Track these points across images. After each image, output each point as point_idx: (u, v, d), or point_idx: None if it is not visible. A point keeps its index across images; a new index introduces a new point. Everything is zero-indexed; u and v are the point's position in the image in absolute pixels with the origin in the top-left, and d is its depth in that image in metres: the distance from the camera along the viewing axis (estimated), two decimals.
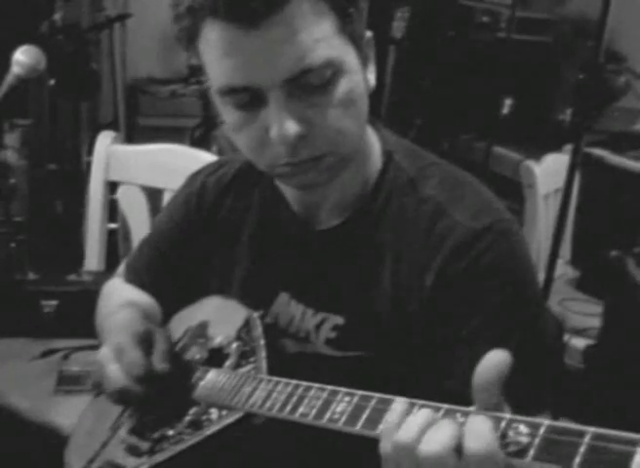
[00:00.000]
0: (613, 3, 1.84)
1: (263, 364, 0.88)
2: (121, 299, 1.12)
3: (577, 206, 2.22)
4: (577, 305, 2.21)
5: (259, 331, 0.92)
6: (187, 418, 0.90)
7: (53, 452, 1.09)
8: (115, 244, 2.09)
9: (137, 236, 1.78)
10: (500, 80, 3.30)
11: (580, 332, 2.08)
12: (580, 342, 2.04)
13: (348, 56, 0.82)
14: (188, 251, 1.09)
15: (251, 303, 0.97)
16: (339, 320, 0.93)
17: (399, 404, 0.65)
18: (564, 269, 2.29)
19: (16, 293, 1.65)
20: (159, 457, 0.89)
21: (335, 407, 0.71)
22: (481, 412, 0.60)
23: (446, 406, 0.63)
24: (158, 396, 0.93)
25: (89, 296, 1.21)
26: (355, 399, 0.70)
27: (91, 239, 1.87)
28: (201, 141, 3.55)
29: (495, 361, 0.59)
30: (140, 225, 1.80)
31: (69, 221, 3.01)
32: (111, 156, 1.83)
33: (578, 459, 0.51)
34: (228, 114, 0.84)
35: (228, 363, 0.93)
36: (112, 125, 3.41)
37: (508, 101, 3.49)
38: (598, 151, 2.81)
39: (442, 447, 0.58)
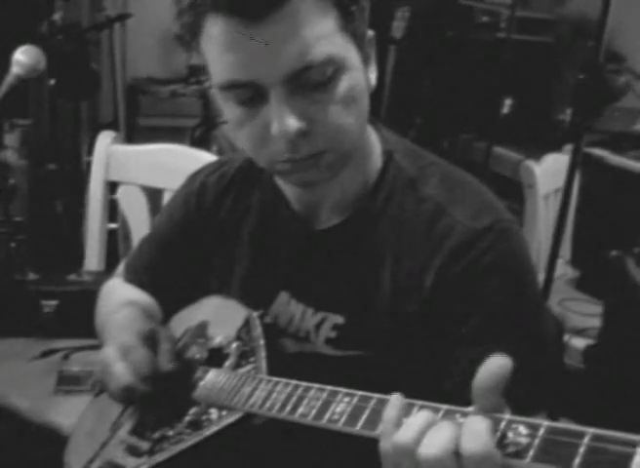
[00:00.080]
0: (613, 3, 1.84)
1: (263, 364, 0.88)
2: (121, 299, 1.12)
3: (577, 206, 2.22)
4: (577, 305, 2.21)
5: (258, 330, 0.92)
6: (187, 418, 0.90)
7: (53, 452, 1.09)
8: (115, 244, 2.09)
9: (137, 236, 1.78)
10: (500, 80, 3.29)
11: (580, 332, 2.08)
12: (579, 342, 2.04)
13: (350, 53, 0.82)
14: (188, 250, 1.09)
15: (251, 303, 0.97)
16: (338, 319, 0.93)
17: (396, 399, 0.65)
18: (564, 269, 2.29)
19: (16, 293, 1.64)
20: (159, 457, 0.89)
21: (334, 407, 0.71)
22: (480, 413, 0.59)
23: (445, 406, 0.63)
24: (161, 395, 0.93)
25: (89, 296, 1.21)
26: (355, 399, 0.70)
27: (91, 239, 1.87)
28: (201, 141, 3.55)
29: (495, 366, 0.59)
30: (139, 225, 1.80)
31: (69, 221, 3.01)
32: (111, 156, 1.83)
33: (577, 460, 0.51)
34: (229, 110, 0.85)
35: (228, 363, 0.93)
36: (112, 125, 3.41)
37: (508, 101, 3.50)
38: (598, 151, 2.81)
39: (441, 449, 0.58)
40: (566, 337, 2.04)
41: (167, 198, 1.70)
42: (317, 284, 0.96)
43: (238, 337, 0.94)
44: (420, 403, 0.65)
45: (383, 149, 0.96)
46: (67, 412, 1.30)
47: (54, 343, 1.57)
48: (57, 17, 3.02)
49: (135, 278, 1.17)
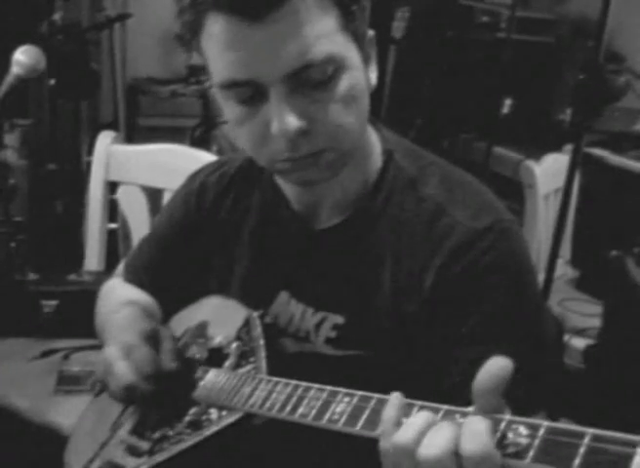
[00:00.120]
0: (613, 3, 1.84)
1: (263, 364, 0.88)
2: (121, 298, 1.12)
3: (577, 206, 2.22)
4: (577, 305, 2.21)
5: (258, 330, 0.92)
6: (187, 418, 0.90)
7: (53, 452, 1.09)
8: (115, 244, 2.09)
9: (137, 236, 1.78)
10: (500, 80, 3.29)
11: (580, 332, 2.07)
12: (580, 342, 2.04)
13: (350, 53, 0.82)
14: (188, 250, 1.09)
15: (251, 302, 0.97)
16: (338, 319, 0.93)
17: (396, 398, 0.65)
18: (564, 269, 2.29)
19: (16, 293, 1.64)
20: (159, 457, 0.89)
21: (334, 407, 0.71)
22: (480, 413, 0.59)
23: (445, 406, 0.63)
24: (163, 394, 0.93)
25: (89, 296, 1.21)
26: (355, 399, 0.70)
27: (91, 239, 1.87)
28: (201, 141, 3.56)
29: (496, 368, 0.59)
30: (139, 225, 1.80)
31: (69, 221, 3.01)
32: (111, 156, 1.83)
33: (577, 461, 0.51)
34: (230, 109, 0.85)
35: (228, 363, 0.93)
36: (112, 125, 3.42)
37: (508, 101, 3.49)
38: (598, 151, 2.81)
39: (441, 450, 0.58)
40: (566, 337, 2.04)
41: (167, 198, 1.70)
42: (317, 284, 0.96)
43: (238, 337, 0.94)
44: (419, 403, 0.65)
45: (384, 149, 0.96)
46: (67, 412, 1.30)
47: (54, 343, 1.57)
48: (57, 17, 3.02)
49: (134, 278, 1.17)
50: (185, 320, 1.06)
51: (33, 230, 2.78)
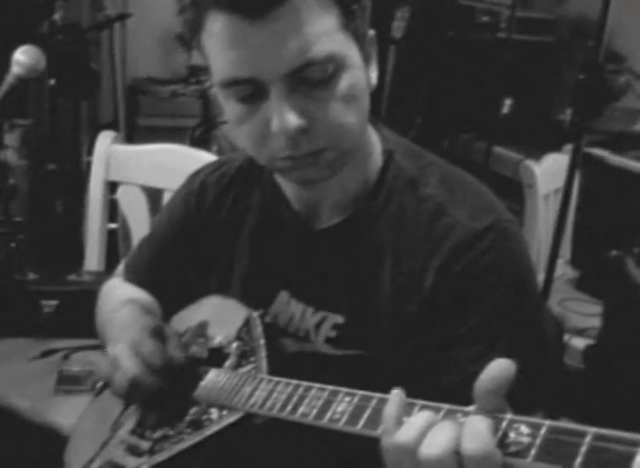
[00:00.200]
0: (613, 3, 1.84)
1: (264, 363, 0.88)
2: (121, 297, 1.12)
3: (577, 206, 2.22)
4: (577, 305, 2.21)
5: (259, 330, 0.92)
6: (188, 418, 0.90)
7: (53, 452, 1.09)
8: (115, 244, 2.09)
9: (137, 236, 1.78)
10: (500, 80, 3.30)
11: (580, 332, 2.07)
12: (580, 342, 2.04)
13: (351, 52, 0.83)
14: (188, 250, 1.09)
15: (251, 302, 0.97)
16: (338, 319, 0.93)
17: (396, 395, 0.65)
18: (564, 269, 2.29)
19: (16, 293, 1.64)
20: (159, 457, 0.89)
21: (335, 407, 0.71)
22: (481, 413, 0.59)
23: (447, 406, 0.63)
24: (163, 394, 0.92)
25: (89, 296, 1.21)
26: (356, 399, 0.70)
27: (91, 239, 1.87)
28: (201, 141, 3.55)
29: (498, 369, 0.59)
30: (140, 225, 1.80)
31: (69, 221, 3.01)
32: (111, 156, 1.83)
33: (579, 460, 0.51)
34: (230, 107, 0.85)
35: (228, 362, 0.93)
36: (112, 125, 3.42)
37: (508, 101, 3.50)
38: (598, 151, 2.81)
39: (442, 449, 0.58)
40: (566, 337, 2.04)
41: (167, 198, 1.69)
42: (317, 283, 0.96)
43: (238, 337, 0.94)
44: (421, 402, 0.65)
45: (384, 149, 0.96)
46: (67, 412, 1.30)
47: (54, 343, 1.57)
48: (57, 17, 3.02)
49: (135, 278, 1.17)
50: (186, 320, 1.06)
51: (33, 230, 2.78)
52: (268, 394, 0.81)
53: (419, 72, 3.88)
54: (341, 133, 0.83)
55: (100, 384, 1.13)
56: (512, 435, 0.57)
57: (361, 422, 0.68)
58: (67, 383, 1.44)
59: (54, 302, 1.61)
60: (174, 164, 1.70)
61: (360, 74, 0.84)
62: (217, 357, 0.95)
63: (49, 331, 1.59)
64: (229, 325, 0.96)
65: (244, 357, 0.91)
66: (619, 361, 1.86)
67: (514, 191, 2.17)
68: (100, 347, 1.10)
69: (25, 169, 2.92)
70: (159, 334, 0.96)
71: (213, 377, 0.92)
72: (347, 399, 0.71)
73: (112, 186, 1.86)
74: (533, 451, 0.55)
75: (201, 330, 1.01)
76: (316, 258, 0.97)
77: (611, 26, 1.88)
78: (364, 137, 0.92)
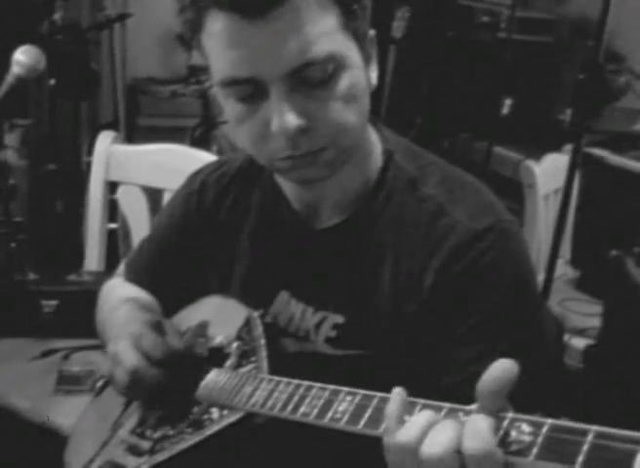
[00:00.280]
0: (613, 3, 1.84)
1: (264, 363, 0.88)
2: (122, 296, 1.12)
3: (577, 206, 2.22)
4: (577, 305, 2.21)
5: (259, 330, 0.92)
6: (188, 418, 0.90)
7: (53, 452, 1.09)
8: (115, 244, 2.09)
9: (137, 236, 1.78)
10: (500, 80, 3.30)
11: (580, 332, 2.07)
12: (579, 342, 2.04)
13: (351, 51, 0.83)
14: (188, 250, 1.09)
15: (251, 302, 0.97)
16: (338, 319, 0.93)
17: (398, 394, 0.65)
18: (564, 269, 2.29)
19: (16, 293, 1.64)
20: (160, 457, 0.89)
21: (337, 406, 0.71)
22: (482, 411, 0.59)
23: (448, 405, 0.63)
24: (168, 382, 0.92)
25: (89, 296, 1.21)
26: (357, 398, 0.70)
27: (91, 239, 1.87)
28: (201, 141, 3.55)
29: (501, 370, 0.58)
30: (140, 225, 1.80)
31: (69, 221, 3.01)
32: (111, 156, 1.83)
33: (581, 458, 0.51)
34: (230, 107, 0.85)
35: (229, 362, 0.93)
36: (112, 125, 3.41)
37: (508, 101, 3.49)
38: (598, 151, 2.81)
39: (443, 448, 0.58)
40: (566, 337, 2.04)
41: (167, 198, 1.70)
42: (317, 283, 0.96)
43: (239, 337, 0.94)
44: (422, 401, 0.65)
45: (384, 149, 0.96)
46: (67, 412, 1.30)
47: (54, 343, 1.57)
48: (57, 17, 3.02)
49: (135, 277, 1.17)
50: (186, 319, 1.06)
51: (33, 230, 2.78)
52: (269, 394, 0.81)
53: (419, 72, 3.88)
54: (341, 132, 0.83)
55: (99, 384, 1.13)
56: (514, 433, 0.57)
57: (362, 422, 0.68)
58: (67, 383, 1.44)
59: (54, 302, 1.61)
60: (174, 164, 1.70)
61: (360, 74, 0.85)
62: (217, 357, 0.95)
63: (49, 331, 1.59)
64: (230, 325, 0.96)
65: (244, 357, 0.91)
66: (619, 361, 1.86)
67: (514, 191, 2.17)
68: (100, 347, 1.10)
69: (25, 169, 2.92)
70: (159, 328, 0.96)
71: (213, 377, 0.92)
72: (349, 398, 0.71)
73: (112, 186, 1.86)
74: (534, 450, 0.55)
75: (201, 329, 1.01)
76: (316, 258, 0.97)
77: (611, 26, 1.88)
78: (364, 137, 0.92)
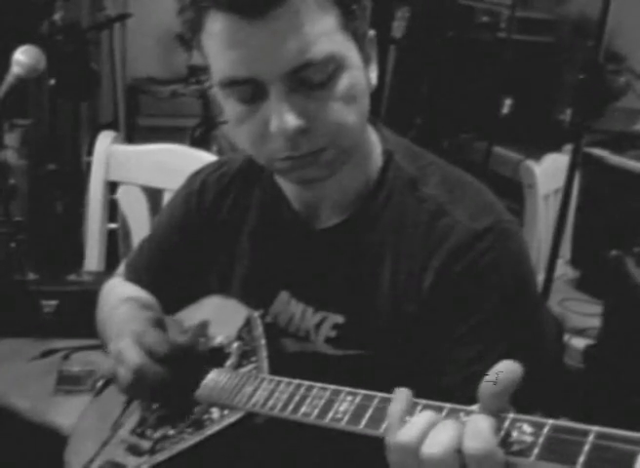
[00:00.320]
0: (613, 3, 1.84)
1: (265, 363, 0.88)
2: (122, 295, 1.12)
3: (577, 206, 2.22)
4: (577, 305, 2.21)
5: (259, 330, 0.92)
6: (189, 418, 0.90)
7: (53, 452, 1.09)
8: (115, 244, 2.09)
9: (137, 236, 1.78)
10: (500, 80, 3.29)
11: (580, 332, 2.07)
12: (579, 342, 2.04)
13: (350, 52, 0.83)
14: (188, 250, 1.09)
15: (251, 302, 0.97)
16: (338, 319, 0.93)
17: (401, 393, 0.65)
18: (564, 269, 2.29)
19: (16, 293, 1.64)
20: (160, 457, 0.89)
21: (337, 406, 0.71)
22: (483, 412, 0.59)
23: (449, 405, 0.63)
24: (171, 380, 0.92)
25: (89, 296, 1.21)
26: (358, 398, 0.70)
27: (91, 239, 1.87)
28: (201, 141, 3.55)
29: (505, 372, 0.58)
30: (140, 225, 1.80)
31: (69, 221, 3.01)
32: (111, 156, 1.83)
33: (582, 458, 0.51)
34: (230, 107, 0.85)
35: (229, 362, 0.93)
36: (112, 125, 3.41)
37: (508, 101, 3.49)
38: (598, 151, 2.81)
39: (444, 448, 0.58)
40: (566, 337, 2.04)
41: (167, 198, 1.70)
42: (317, 283, 0.96)
43: (239, 337, 0.94)
44: (423, 401, 0.65)
45: (384, 149, 0.96)
46: (67, 412, 1.30)
47: (54, 343, 1.57)
48: (57, 17, 3.02)
49: (135, 277, 1.17)
50: (186, 319, 1.06)
51: (33, 230, 2.78)
52: (270, 394, 0.81)
53: (419, 72, 3.88)
54: (341, 132, 0.83)
55: (99, 384, 1.13)
56: (515, 434, 0.57)
57: (363, 422, 0.68)
58: (67, 383, 1.44)
59: (54, 302, 1.61)
60: (174, 164, 1.70)
61: (360, 74, 0.85)
62: (217, 357, 0.95)
63: (49, 331, 1.59)
64: (230, 325, 0.96)
65: (245, 357, 0.91)
66: (619, 361, 1.86)
67: (514, 191, 2.17)
68: (100, 347, 1.10)
69: (25, 169, 2.92)
70: (161, 325, 0.96)
71: (214, 377, 0.92)
72: (349, 398, 0.71)
73: (112, 186, 1.86)
74: (536, 450, 0.55)
75: (202, 329, 1.01)
76: (316, 258, 0.97)
77: (611, 26, 1.88)
78: (364, 137, 0.92)
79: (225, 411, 0.86)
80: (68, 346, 1.55)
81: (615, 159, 2.80)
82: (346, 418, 0.69)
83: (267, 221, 1.02)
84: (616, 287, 1.93)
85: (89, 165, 1.94)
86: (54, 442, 1.17)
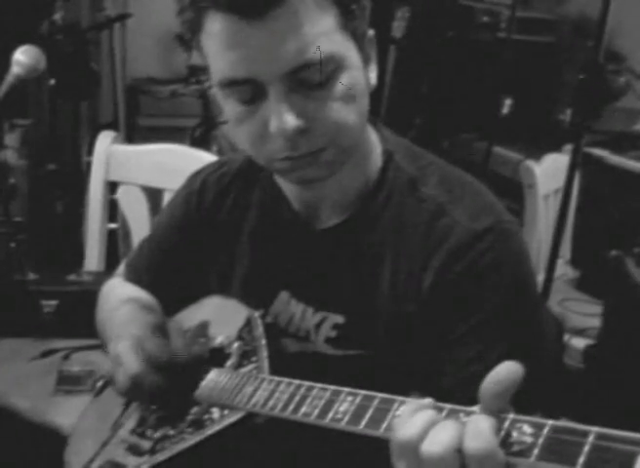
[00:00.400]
0: (613, 3, 1.84)
1: (265, 363, 0.88)
2: (122, 296, 1.12)
3: (577, 206, 2.22)
4: (577, 305, 2.21)
5: (260, 330, 0.92)
6: (189, 418, 0.90)
7: (53, 452, 1.09)
8: (115, 244, 2.09)
9: (137, 236, 1.78)
10: (500, 80, 3.29)
11: (580, 332, 2.07)
12: (579, 342, 2.04)
13: (350, 52, 0.83)
14: (188, 250, 1.09)
15: (251, 302, 0.97)
16: (339, 319, 0.93)
17: (424, 399, 0.65)
18: (564, 269, 2.29)
19: (16, 293, 1.64)
20: (160, 457, 0.89)
21: (337, 406, 0.71)
22: (484, 412, 0.59)
23: (449, 406, 0.63)
24: (169, 387, 0.92)
25: (89, 296, 1.21)
26: (358, 399, 0.70)
27: (91, 239, 1.87)
28: (201, 141, 3.55)
29: (506, 372, 0.58)
30: (140, 225, 1.80)
31: (69, 221, 3.01)
32: (111, 156, 1.83)
33: (582, 459, 0.51)
34: (229, 108, 0.85)
35: (230, 362, 0.93)
36: (112, 125, 3.41)
37: (508, 101, 3.49)
38: (598, 151, 2.81)
39: (443, 447, 0.58)
40: (566, 337, 2.04)
41: (167, 198, 1.70)
42: (317, 283, 0.96)
43: (239, 337, 0.94)
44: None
45: (384, 149, 0.96)
46: (67, 412, 1.30)
47: (54, 343, 1.56)
48: (57, 17, 3.02)
49: (135, 277, 1.17)
50: (186, 320, 1.06)
51: (33, 230, 2.78)
52: (270, 394, 0.81)
53: (419, 72, 3.88)
54: (340, 132, 0.83)
55: (100, 384, 1.13)
56: (515, 434, 0.57)
57: (363, 422, 0.68)
58: (67, 383, 1.44)
59: (54, 302, 1.61)
60: (174, 164, 1.70)
61: (359, 74, 0.85)
62: (218, 357, 0.95)
63: (49, 331, 1.59)
64: (230, 325, 0.96)
65: (245, 357, 0.91)
66: (619, 361, 1.86)
67: (514, 191, 2.17)
68: (100, 347, 1.10)
69: (25, 169, 2.92)
70: (161, 331, 0.96)
71: (214, 377, 0.92)
72: (350, 398, 0.71)
73: (112, 186, 1.86)
74: (536, 451, 0.55)
75: (202, 329, 1.01)
76: (316, 258, 0.97)
77: (611, 26, 1.88)
78: (363, 138, 0.92)
79: (226, 411, 0.86)
80: (68, 346, 1.55)
81: (615, 159, 2.80)
82: (347, 418, 0.69)
83: (267, 221, 1.02)
84: (616, 287, 1.93)
85: (89, 165, 1.94)
86: (54, 442, 1.17)
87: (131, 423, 0.98)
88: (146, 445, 0.92)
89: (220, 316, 1.00)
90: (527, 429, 0.56)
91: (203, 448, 0.86)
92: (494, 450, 0.56)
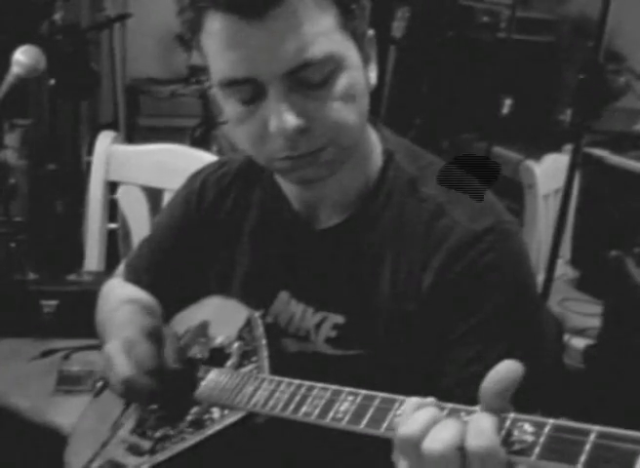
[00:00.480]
0: (613, 3, 1.84)
1: (266, 363, 0.88)
2: (122, 297, 1.12)
3: (577, 206, 2.22)
4: (577, 305, 2.21)
5: (260, 330, 0.92)
6: (189, 418, 0.90)
7: (53, 452, 1.09)
8: (115, 244, 2.09)
9: (137, 236, 1.78)
10: (500, 80, 3.29)
11: (580, 332, 2.07)
12: (579, 342, 2.04)
13: (349, 52, 0.83)
14: (188, 250, 1.09)
15: (251, 302, 0.97)
16: (339, 319, 0.93)
17: (428, 398, 0.65)
18: (564, 269, 2.29)
19: (16, 293, 1.64)
20: (160, 456, 0.89)
21: (338, 406, 0.71)
22: (485, 411, 0.59)
23: (450, 404, 0.63)
24: (162, 390, 0.92)
25: (89, 296, 1.21)
26: (359, 398, 0.70)
27: (91, 239, 1.87)
28: (201, 141, 3.55)
29: (506, 371, 0.58)
30: (140, 225, 1.80)
31: (69, 221, 3.01)
32: (111, 156, 1.83)
33: (583, 457, 0.51)
34: (230, 107, 0.85)
35: (230, 362, 0.93)
36: (112, 125, 3.42)
37: (508, 101, 3.49)
38: (598, 151, 2.81)
39: (445, 444, 0.58)
40: (566, 337, 2.04)
41: (167, 198, 1.70)
42: (317, 283, 0.96)
43: (240, 337, 0.94)
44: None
45: (384, 149, 0.96)
46: (67, 412, 1.30)
47: (54, 343, 1.56)
48: (57, 17, 3.02)
49: (135, 278, 1.17)
50: (186, 320, 1.06)
51: (33, 230, 2.78)
52: (270, 393, 0.81)
53: (419, 72, 3.88)
54: (340, 131, 0.83)
55: (99, 384, 1.13)
56: (516, 433, 0.57)
57: (364, 422, 0.68)
58: (67, 383, 1.44)
59: (54, 302, 1.61)
60: (174, 164, 1.70)
61: (359, 74, 0.85)
62: (218, 357, 0.95)
63: (49, 331, 1.59)
64: (230, 325, 0.96)
65: (245, 357, 0.91)
66: (619, 361, 1.86)
67: (514, 191, 2.17)
68: (100, 347, 1.10)
69: (25, 169, 2.92)
70: (155, 336, 0.96)
71: (214, 377, 0.92)
72: (350, 398, 0.71)
73: (112, 186, 1.86)
74: (537, 450, 0.55)
75: (202, 330, 1.01)
76: (316, 258, 0.97)
77: (611, 26, 1.88)
78: (363, 137, 0.92)
79: (226, 411, 0.86)
80: (68, 346, 1.55)
81: (615, 159, 2.80)
82: (347, 418, 0.69)
83: (267, 221, 1.02)
84: (616, 287, 1.93)
85: (89, 165, 1.94)
86: (54, 442, 1.17)
87: (131, 423, 0.98)
88: (146, 445, 0.92)
89: (220, 316, 1.00)
90: (528, 428, 0.56)
91: (203, 447, 0.86)
92: (495, 449, 0.56)
